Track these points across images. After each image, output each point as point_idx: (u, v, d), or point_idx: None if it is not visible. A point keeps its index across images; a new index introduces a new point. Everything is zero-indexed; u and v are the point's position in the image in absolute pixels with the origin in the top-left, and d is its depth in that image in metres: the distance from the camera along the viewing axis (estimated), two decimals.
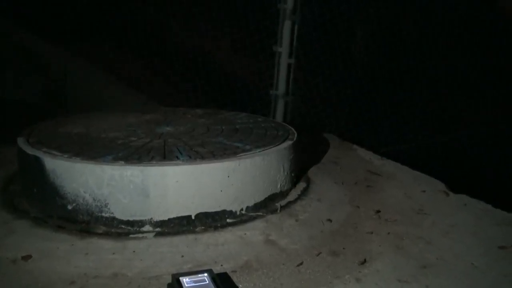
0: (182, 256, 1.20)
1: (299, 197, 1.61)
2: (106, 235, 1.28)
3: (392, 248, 1.31)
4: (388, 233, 1.41)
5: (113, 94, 3.16)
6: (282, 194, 1.57)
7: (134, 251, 1.20)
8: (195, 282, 0.98)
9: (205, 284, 0.97)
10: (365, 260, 1.23)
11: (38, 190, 1.40)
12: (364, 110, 3.04)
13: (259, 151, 1.48)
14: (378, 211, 1.58)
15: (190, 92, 3.22)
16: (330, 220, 1.47)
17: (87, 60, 3.24)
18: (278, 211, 1.48)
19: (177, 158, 1.37)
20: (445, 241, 1.36)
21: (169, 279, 1.07)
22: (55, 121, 1.82)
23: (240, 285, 1.08)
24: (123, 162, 1.31)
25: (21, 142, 1.50)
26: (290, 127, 1.90)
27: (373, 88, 2.85)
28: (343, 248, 1.29)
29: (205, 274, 1.00)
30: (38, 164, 1.36)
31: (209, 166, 1.34)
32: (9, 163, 1.77)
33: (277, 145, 1.56)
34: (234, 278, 1.11)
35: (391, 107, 2.77)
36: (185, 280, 0.98)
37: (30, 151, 1.41)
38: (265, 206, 1.48)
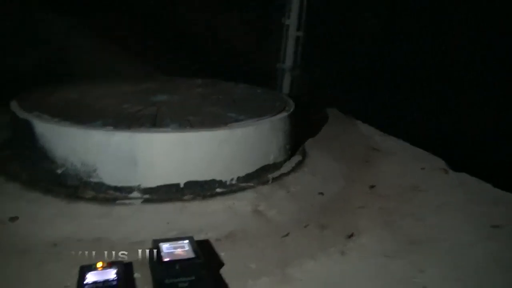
0: (168, 223, 1.19)
1: (293, 170, 1.59)
2: (94, 200, 1.27)
3: (381, 223, 1.29)
4: (380, 208, 1.39)
5: (116, 65, 3.13)
6: (275, 166, 1.55)
7: (119, 217, 1.20)
8: (174, 248, 0.97)
9: (184, 250, 0.97)
10: (352, 234, 1.21)
11: (28, 154, 1.40)
12: (372, 87, 2.97)
13: (251, 121, 1.45)
14: (373, 186, 1.55)
15: (195, 64, 3.18)
16: (322, 194, 1.45)
17: (90, 31, 3.20)
18: (270, 182, 1.46)
19: (167, 125, 1.35)
20: (436, 218, 1.33)
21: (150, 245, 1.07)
22: (51, 87, 1.81)
23: (222, 253, 1.07)
24: (111, 128, 1.30)
25: (13, 105, 1.50)
26: (288, 98, 1.86)
27: (384, 66, 2.78)
28: (332, 222, 1.28)
29: (186, 241, 1.00)
30: (28, 128, 1.36)
31: (199, 135, 1.32)
32: (5, 129, 1.77)
33: (271, 116, 1.53)
34: (217, 247, 1.10)
35: (400, 85, 2.70)
36: (164, 245, 0.98)
37: (21, 114, 1.41)
38: (257, 177, 1.46)
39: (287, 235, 1.19)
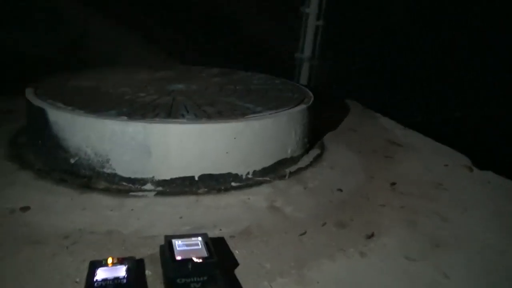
0: (181, 217, 1.16)
1: (310, 164, 1.54)
2: (107, 191, 1.25)
3: (404, 222, 1.23)
4: (402, 206, 1.33)
5: (134, 50, 3.10)
6: (293, 160, 1.50)
7: (132, 209, 1.17)
8: (187, 245, 0.94)
9: (197, 248, 0.93)
10: (372, 234, 1.16)
11: (42, 143, 1.37)
12: (395, 79, 2.88)
13: (269, 113, 1.40)
14: (394, 183, 1.49)
15: (212, 52, 3.13)
16: (340, 190, 1.40)
17: (108, 17, 3.17)
18: (287, 177, 1.41)
19: (183, 116, 1.31)
20: (462, 218, 1.27)
21: (163, 239, 1.04)
22: (67, 75, 1.78)
23: (237, 251, 1.03)
24: (126, 117, 1.26)
25: (28, 93, 1.48)
26: (307, 90, 1.80)
27: (408, 58, 2.68)
28: (351, 220, 1.22)
29: (199, 238, 0.96)
30: (42, 116, 1.33)
31: (215, 126, 1.28)
32: (23, 117, 1.76)
33: (290, 108, 1.48)
34: (231, 244, 1.06)
35: (422, 78, 2.60)
36: (177, 242, 0.94)
37: (35, 102, 1.38)
38: (273, 171, 1.41)
39: (304, 233, 1.14)
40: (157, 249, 1.01)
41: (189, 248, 0.92)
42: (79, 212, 1.15)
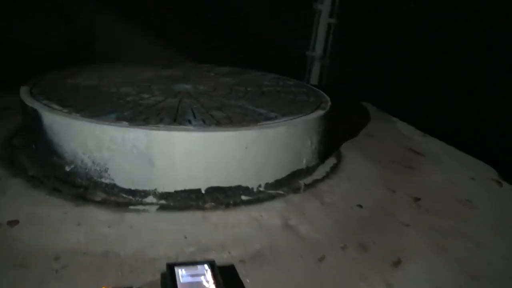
0: (185, 237, 1.04)
1: (327, 175, 1.41)
2: (104, 204, 1.13)
3: (433, 247, 1.11)
4: (429, 227, 1.20)
5: (140, 45, 2.98)
6: (308, 171, 1.37)
7: (131, 227, 1.05)
8: (192, 275, 0.82)
9: (204, 279, 0.81)
10: (399, 260, 1.04)
11: (36, 147, 1.26)
12: (412, 80, 2.74)
13: (284, 120, 1.28)
14: (418, 199, 1.36)
15: (220, 49, 3.01)
16: (360, 206, 1.27)
17: (114, 10, 3.06)
18: (301, 190, 1.29)
19: (189, 122, 1.19)
20: (497, 242, 1.14)
21: (165, 263, 0.92)
22: (66, 71, 1.67)
23: (248, 280, 0.91)
24: (127, 123, 1.14)
25: (23, 91, 1.36)
26: (323, 93, 1.68)
27: (426, 58, 2.53)
28: (373, 242, 1.10)
29: (205, 266, 0.84)
30: (36, 118, 1.22)
31: (225, 135, 1.16)
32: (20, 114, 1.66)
33: (306, 114, 1.35)
34: (242, 271, 0.94)
35: (445, 81, 2.46)
36: (180, 272, 0.82)
37: (29, 102, 1.27)
38: (287, 184, 1.29)
39: (322, 258, 1.02)
40: (158, 276, 0.89)
41: (194, 279, 0.81)
42: (72, 228, 1.04)
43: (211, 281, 0.80)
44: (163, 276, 0.87)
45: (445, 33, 2.39)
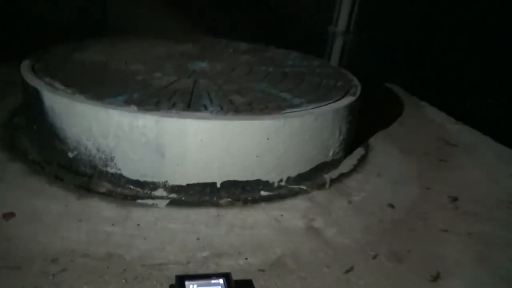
0: (198, 238, 0.93)
1: (354, 169, 1.29)
2: (109, 196, 1.03)
3: (474, 257, 0.98)
4: (469, 233, 1.08)
5: (154, 18, 2.83)
6: (334, 164, 1.25)
7: (138, 225, 0.95)
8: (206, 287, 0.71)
9: None
10: (437, 275, 0.91)
11: (37, 129, 1.15)
12: (440, 59, 2.54)
13: (311, 108, 1.14)
14: (455, 199, 1.23)
15: (239, 22, 2.84)
16: (392, 206, 1.15)
17: None
18: (327, 186, 1.17)
19: (205, 108, 1.06)
20: None
21: (174, 270, 0.82)
22: (73, 45, 1.54)
23: None
24: (135, 107, 1.02)
25: (24, 67, 1.25)
26: (352, 76, 1.53)
27: (462, 37, 2.33)
28: (408, 251, 0.98)
29: (221, 281, 0.73)
30: (37, 98, 1.10)
31: (245, 124, 1.03)
32: None
33: (335, 101, 1.22)
34: (260, 282, 0.83)
35: (481, 64, 2.27)
36: (191, 286, 0.72)
37: (30, 79, 1.15)
38: (311, 178, 1.17)
39: (351, 269, 0.90)
40: (166, 285, 0.79)
41: None
42: (73, 224, 0.93)
43: None
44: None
45: (482, 10, 2.18)
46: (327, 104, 1.18)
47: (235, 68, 1.46)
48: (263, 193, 1.09)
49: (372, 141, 1.53)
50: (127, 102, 1.04)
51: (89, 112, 1.02)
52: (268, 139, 1.04)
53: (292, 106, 1.14)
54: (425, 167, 1.41)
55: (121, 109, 1.00)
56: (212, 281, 0.73)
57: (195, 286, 0.72)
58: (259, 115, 1.06)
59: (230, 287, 0.72)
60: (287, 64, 1.58)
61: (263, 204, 1.06)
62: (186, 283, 0.72)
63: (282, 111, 1.09)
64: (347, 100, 1.25)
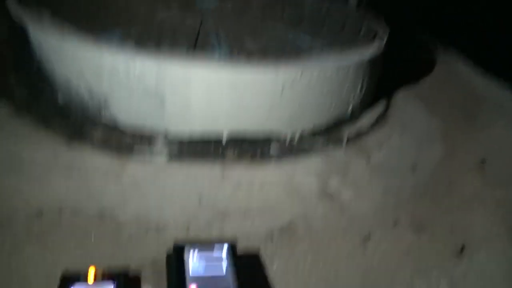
0: (200, 198, 0.84)
1: (374, 126, 1.17)
2: (103, 145, 0.92)
3: (504, 228, 0.89)
4: (498, 201, 0.98)
5: None
6: (352, 120, 1.13)
7: (134, 181, 0.86)
8: (205, 259, 0.63)
9: (219, 265, 0.62)
10: (462, 248, 0.83)
11: (25, 66, 1.04)
12: (469, 3, 2.32)
13: (332, 56, 1.01)
14: (483, 161, 1.12)
15: None
16: (414, 167, 1.04)
17: None
18: (344, 144, 1.06)
19: (212, 51, 0.93)
20: None
21: (173, 233, 0.74)
22: None
23: (274, 266, 0.72)
24: (132, 47, 0.89)
25: None
26: (378, 19, 1.37)
27: None
28: (431, 220, 0.89)
29: (224, 249, 0.65)
30: (23, 32, 0.98)
31: (258, 72, 0.90)
32: None
33: (360, 49, 1.08)
34: (268, 248, 0.75)
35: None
36: (191, 254, 0.63)
37: (14, 10, 1.01)
38: (327, 135, 1.06)
39: (368, 237, 0.82)
40: (162, 252, 0.71)
41: (207, 263, 0.62)
42: (62, 176, 0.84)
43: (229, 267, 0.61)
44: (169, 258, 0.68)
45: None
46: (350, 55, 1.04)
47: (248, 7, 1.30)
48: (273, 149, 0.98)
49: (394, 95, 1.39)
50: (124, 38, 0.92)
51: (79, 52, 0.89)
52: (282, 90, 0.92)
53: (311, 53, 1.00)
54: (451, 125, 1.29)
55: (115, 50, 0.88)
56: (214, 250, 0.65)
57: (195, 253, 0.64)
58: (275, 62, 0.92)
59: (233, 258, 0.64)
60: (306, 4, 1.42)
61: (273, 162, 0.96)
62: (186, 250, 0.64)
63: (300, 60, 0.96)
64: (373, 48, 1.10)
